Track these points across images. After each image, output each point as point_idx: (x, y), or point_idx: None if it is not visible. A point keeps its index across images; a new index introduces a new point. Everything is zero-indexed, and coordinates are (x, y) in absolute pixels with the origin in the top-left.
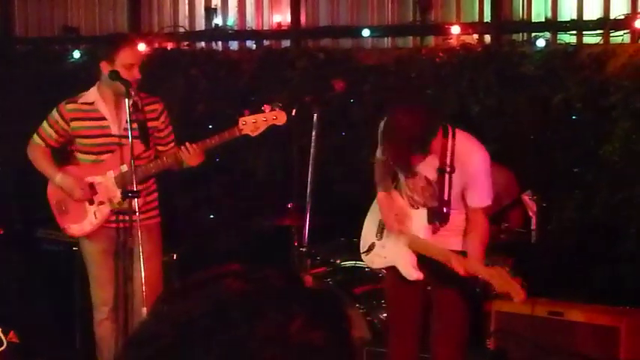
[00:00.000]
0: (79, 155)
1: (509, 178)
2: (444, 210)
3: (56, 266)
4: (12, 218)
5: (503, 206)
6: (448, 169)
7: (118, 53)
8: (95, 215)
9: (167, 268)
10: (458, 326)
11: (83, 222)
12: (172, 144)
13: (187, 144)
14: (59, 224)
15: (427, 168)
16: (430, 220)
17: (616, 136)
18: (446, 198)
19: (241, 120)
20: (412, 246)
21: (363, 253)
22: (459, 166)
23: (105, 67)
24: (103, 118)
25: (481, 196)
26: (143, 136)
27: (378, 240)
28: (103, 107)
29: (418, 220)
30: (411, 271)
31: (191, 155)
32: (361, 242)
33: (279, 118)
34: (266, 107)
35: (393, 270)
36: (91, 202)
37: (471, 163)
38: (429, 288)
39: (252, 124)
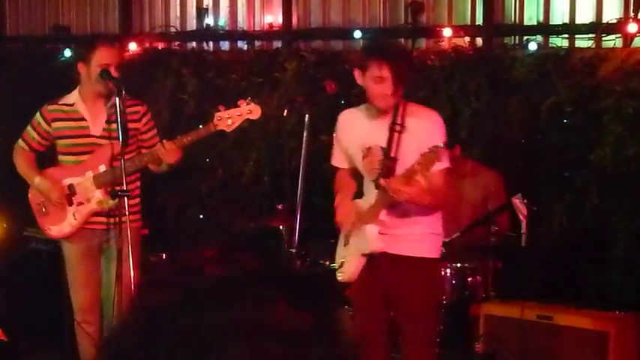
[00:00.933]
0: (61, 157)
1: (498, 181)
2: (387, 163)
3: (43, 265)
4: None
5: (492, 210)
6: (398, 128)
7: (93, 54)
8: (74, 216)
9: (156, 267)
10: (428, 326)
11: (62, 223)
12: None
13: (164, 141)
14: (39, 226)
15: (382, 135)
16: (377, 184)
17: (607, 140)
18: (392, 154)
19: (216, 115)
20: (362, 218)
21: (338, 271)
22: (411, 129)
23: (82, 69)
24: (83, 119)
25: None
26: (123, 138)
27: (345, 248)
28: (82, 108)
29: (369, 194)
30: (373, 242)
31: (167, 152)
32: (336, 261)
33: (254, 112)
34: (241, 102)
35: (359, 278)
36: (70, 204)
37: (425, 123)
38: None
39: (226, 119)
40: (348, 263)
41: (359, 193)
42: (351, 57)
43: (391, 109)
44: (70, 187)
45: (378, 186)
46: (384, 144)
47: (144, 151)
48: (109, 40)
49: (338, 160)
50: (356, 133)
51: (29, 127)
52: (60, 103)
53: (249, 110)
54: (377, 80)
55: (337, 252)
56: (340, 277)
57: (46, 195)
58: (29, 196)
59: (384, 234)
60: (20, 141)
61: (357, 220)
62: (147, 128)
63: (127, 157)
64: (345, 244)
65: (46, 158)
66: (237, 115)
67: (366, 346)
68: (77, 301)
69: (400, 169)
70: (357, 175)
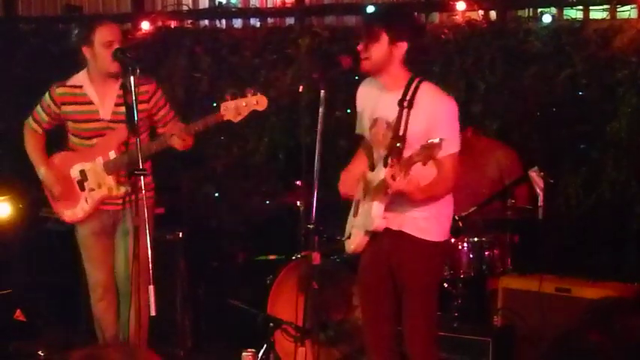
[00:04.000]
0: (71, 137)
1: (512, 158)
2: (397, 144)
3: (60, 245)
4: (15, 196)
5: (508, 184)
6: (406, 104)
7: (94, 34)
8: (86, 201)
9: (172, 246)
10: (426, 304)
11: (75, 208)
12: (172, 122)
13: (176, 131)
14: (53, 209)
15: (388, 109)
16: (385, 162)
17: (622, 112)
18: (400, 134)
19: (223, 105)
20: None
21: (345, 239)
22: (421, 108)
23: (87, 52)
24: (91, 103)
25: (446, 144)
26: (130, 120)
27: (354, 219)
28: (90, 91)
29: (379, 169)
30: (376, 221)
31: (180, 139)
32: (345, 231)
33: (260, 103)
34: (248, 92)
35: (363, 253)
36: (82, 189)
37: (435, 105)
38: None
39: (233, 110)
40: (354, 235)
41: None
42: None
43: (403, 82)
44: (82, 172)
45: (386, 164)
46: (389, 117)
47: (160, 130)
48: (107, 19)
49: (358, 127)
50: (369, 102)
51: (39, 108)
52: (68, 84)
53: (255, 101)
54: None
55: (348, 221)
56: (347, 248)
57: (49, 189)
58: (47, 185)
59: (389, 211)
60: (30, 120)
61: (366, 192)
62: (157, 108)
63: (133, 140)
64: (355, 215)
65: (54, 140)
66: (243, 105)
67: (374, 322)
68: (92, 279)
69: (408, 149)
70: (368, 145)
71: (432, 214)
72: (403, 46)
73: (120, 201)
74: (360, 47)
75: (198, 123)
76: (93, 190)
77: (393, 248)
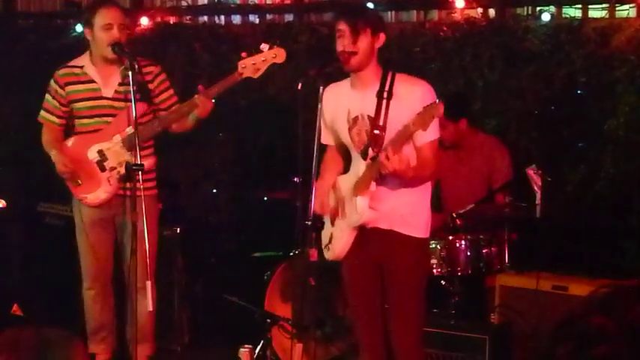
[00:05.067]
0: (77, 122)
1: (506, 158)
2: (375, 132)
3: (57, 240)
4: (13, 191)
5: (503, 183)
6: (385, 95)
7: (94, 17)
8: (109, 182)
9: (170, 241)
10: (413, 302)
11: (98, 190)
12: (175, 107)
13: (196, 97)
14: (75, 196)
15: (368, 104)
16: (365, 154)
17: (620, 110)
18: (381, 123)
19: (240, 64)
20: (355, 190)
21: (325, 247)
22: (400, 97)
23: (88, 34)
24: (93, 81)
25: (426, 132)
26: (144, 95)
27: (332, 227)
28: (92, 71)
29: (357, 165)
30: (364, 214)
31: (200, 105)
32: (322, 240)
33: (279, 55)
34: (264, 46)
35: (349, 255)
36: (103, 169)
37: (414, 92)
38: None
39: (252, 66)
40: (336, 239)
41: (347, 170)
42: None
43: (375, 76)
44: (100, 152)
45: (365, 156)
46: (370, 112)
47: (162, 113)
48: (109, 2)
49: (324, 137)
50: (341, 105)
51: (47, 96)
52: (70, 65)
53: (274, 55)
54: (337, 37)
55: (324, 233)
56: (327, 255)
57: (62, 170)
58: (57, 167)
59: (374, 209)
60: (42, 112)
61: (342, 200)
62: (161, 89)
63: (145, 119)
64: (332, 224)
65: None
66: (261, 60)
67: (361, 321)
68: (84, 267)
69: (388, 136)
70: (344, 151)
71: (416, 206)
72: (382, 38)
73: (126, 185)
74: (344, 44)
75: (217, 85)
76: (114, 168)
77: (382, 247)
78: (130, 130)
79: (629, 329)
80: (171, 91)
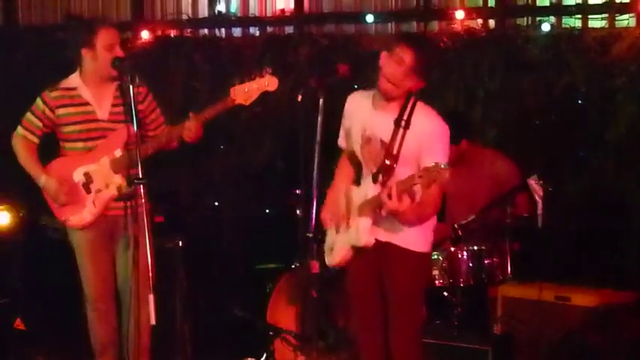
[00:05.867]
0: (67, 145)
1: (510, 166)
2: (387, 162)
3: (59, 254)
4: (14, 204)
5: (507, 192)
6: (403, 124)
7: (96, 37)
8: (94, 204)
9: (172, 254)
10: (412, 314)
11: (82, 212)
12: (163, 127)
13: (186, 121)
14: (57, 217)
15: (384, 128)
16: (375, 179)
17: (621, 119)
18: (394, 152)
19: (232, 90)
20: (360, 210)
21: (327, 251)
22: (417, 128)
23: (87, 54)
24: (87, 104)
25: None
26: (136, 120)
27: (336, 235)
28: (85, 92)
29: (366, 185)
30: (364, 237)
31: (189, 130)
32: (325, 245)
33: (271, 83)
34: (256, 73)
35: (350, 265)
36: (89, 191)
37: (431, 128)
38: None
39: (244, 93)
40: (339, 249)
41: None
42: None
43: (397, 101)
44: (87, 174)
45: (375, 181)
46: (384, 136)
47: (150, 133)
48: (107, 22)
49: (341, 140)
50: (359, 117)
51: (29, 115)
52: (62, 87)
53: (266, 82)
54: (391, 63)
55: (327, 237)
56: (330, 260)
57: (53, 197)
58: (51, 194)
59: (377, 225)
60: (20, 129)
61: (350, 211)
62: (150, 109)
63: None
64: (337, 231)
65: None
66: (254, 87)
67: (367, 333)
68: (87, 290)
69: (399, 168)
70: (355, 159)
71: (417, 225)
72: (421, 85)
73: (121, 205)
74: (394, 73)
75: (208, 110)
76: (100, 190)
77: (382, 260)
78: (118, 153)
79: (625, 347)
80: (158, 111)
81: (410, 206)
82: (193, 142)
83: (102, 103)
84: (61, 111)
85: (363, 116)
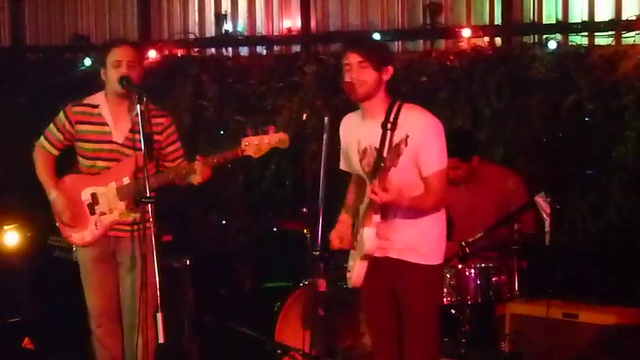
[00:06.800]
0: (81, 160)
1: (519, 183)
2: (380, 164)
3: (67, 273)
4: (22, 224)
5: (514, 210)
6: (389, 126)
7: (107, 56)
8: (96, 225)
9: (180, 273)
10: (426, 328)
11: (84, 232)
12: (180, 160)
13: (195, 161)
14: (61, 232)
15: (373, 135)
16: (370, 180)
17: (629, 137)
18: (385, 155)
19: (244, 140)
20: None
21: (348, 275)
22: (404, 128)
23: (103, 74)
24: (105, 124)
25: (432, 162)
26: (148, 148)
27: (352, 253)
28: (106, 113)
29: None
30: (367, 244)
31: (197, 172)
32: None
33: (283, 141)
34: (270, 129)
35: (366, 284)
36: (93, 212)
37: (417, 125)
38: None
39: (254, 146)
40: (353, 269)
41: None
42: None
43: (382, 106)
44: (93, 196)
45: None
46: (376, 143)
47: (167, 164)
48: (120, 40)
49: (342, 163)
50: (353, 135)
51: (52, 127)
52: (85, 103)
53: (278, 139)
54: (345, 68)
55: (350, 256)
56: (349, 282)
57: (58, 214)
58: (56, 209)
59: (383, 239)
60: (43, 140)
61: (358, 227)
62: (168, 142)
63: (150, 169)
64: (353, 249)
65: (65, 161)
66: (265, 142)
67: (384, 349)
68: (91, 306)
69: (399, 172)
70: (360, 179)
71: (427, 237)
72: (390, 71)
73: (126, 227)
74: (351, 76)
75: (218, 156)
76: (104, 214)
77: (393, 275)
78: (126, 180)
79: None
80: (178, 144)
81: (401, 193)
82: (199, 184)
83: (119, 126)
84: (80, 127)
85: (356, 131)
